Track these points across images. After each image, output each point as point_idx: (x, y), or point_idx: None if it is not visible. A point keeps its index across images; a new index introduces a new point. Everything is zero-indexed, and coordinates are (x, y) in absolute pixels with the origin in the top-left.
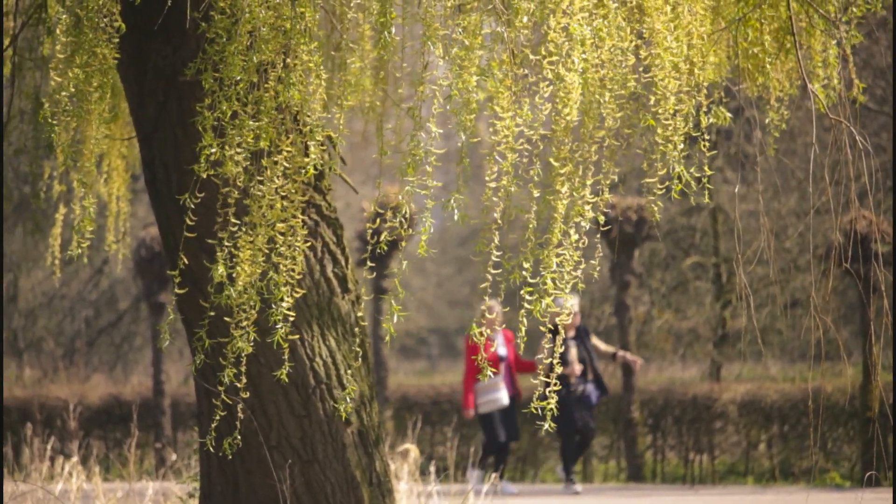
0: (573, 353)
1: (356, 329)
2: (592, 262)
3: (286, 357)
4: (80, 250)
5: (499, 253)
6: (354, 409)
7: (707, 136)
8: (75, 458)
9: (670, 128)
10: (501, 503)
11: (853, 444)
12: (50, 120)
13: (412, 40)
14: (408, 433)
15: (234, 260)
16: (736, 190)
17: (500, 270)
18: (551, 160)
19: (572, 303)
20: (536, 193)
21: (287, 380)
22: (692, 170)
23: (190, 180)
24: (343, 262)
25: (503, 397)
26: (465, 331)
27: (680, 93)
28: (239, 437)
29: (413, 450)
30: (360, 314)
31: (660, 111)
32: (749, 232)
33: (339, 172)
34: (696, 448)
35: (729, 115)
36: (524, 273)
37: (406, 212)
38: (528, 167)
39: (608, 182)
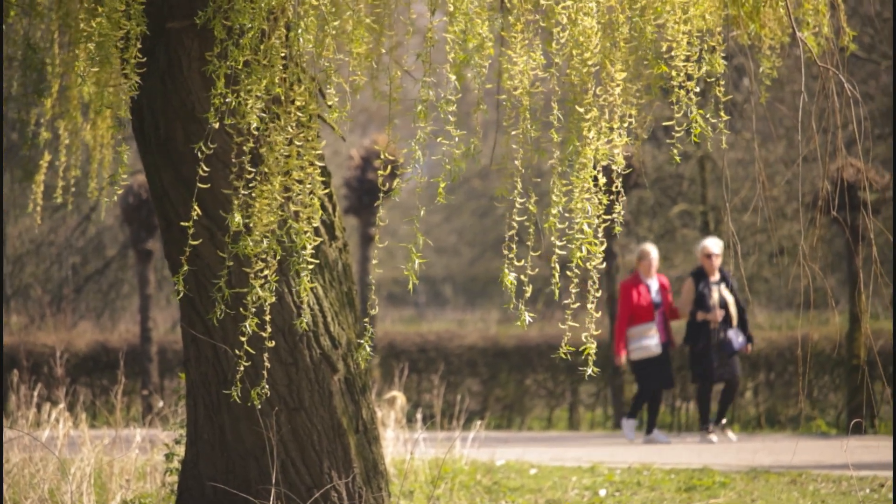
0: (714, 297)
1: (343, 276)
2: (618, 206)
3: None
4: (61, 199)
5: (522, 199)
6: (341, 356)
7: (722, 82)
8: (62, 405)
9: (683, 73)
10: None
11: (839, 391)
12: (78, 72)
13: None
14: (394, 381)
15: (250, 210)
16: (723, 138)
17: (524, 217)
18: (577, 106)
19: (712, 242)
20: (558, 139)
21: (274, 327)
22: (697, 119)
23: (178, 127)
24: (330, 210)
25: (655, 345)
26: (453, 279)
27: (690, 37)
28: (265, 387)
29: (400, 397)
30: (347, 261)
31: (673, 56)
32: (737, 180)
33: (327, 120)
34: (683, 396)
35: (724, 62)
36: (553, 219)
37: (419, 156)
38: (547, 113)
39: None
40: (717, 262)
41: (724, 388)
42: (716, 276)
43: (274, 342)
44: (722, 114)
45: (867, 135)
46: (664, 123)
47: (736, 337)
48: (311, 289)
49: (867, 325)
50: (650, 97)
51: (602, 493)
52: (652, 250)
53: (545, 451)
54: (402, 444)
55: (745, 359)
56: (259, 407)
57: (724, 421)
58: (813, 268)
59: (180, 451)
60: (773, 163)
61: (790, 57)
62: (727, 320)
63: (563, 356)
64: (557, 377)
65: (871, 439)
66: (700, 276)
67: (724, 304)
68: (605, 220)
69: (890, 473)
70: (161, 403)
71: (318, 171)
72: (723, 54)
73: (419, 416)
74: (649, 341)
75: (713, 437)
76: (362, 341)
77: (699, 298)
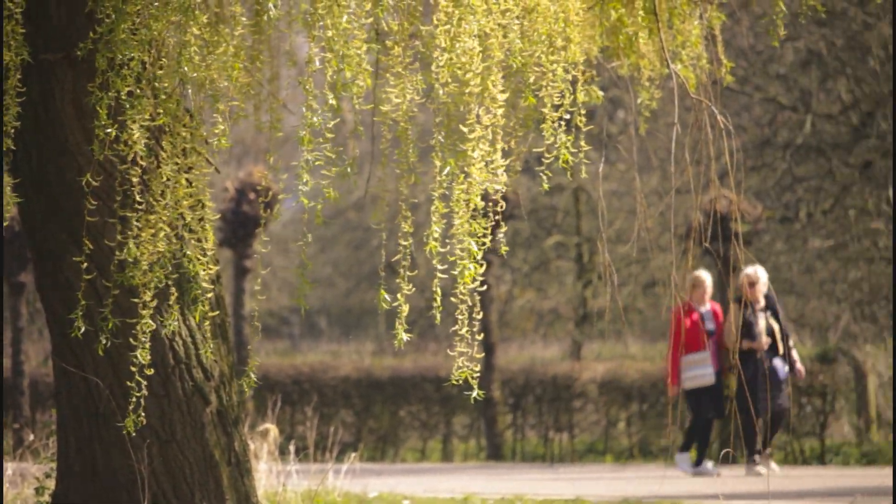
0: (761, 325)
1: (216, 308)
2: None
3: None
4: None
5: (403, 225)
6: (214, 388)
7: (583, 113)
8: None
9: (548, 105)
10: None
11: (715, 421)
12: None
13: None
14: (268, 413)
15: (138, 239)
16: (599, 169)
17: (407, 243)
18: (461, 125)
19: (755, 271)
20: (438, 163)
21: (146, 359)
22: (566, 147)
23: (50, 159)
24: (204, 241)
25: (709, 373)
26: (328, 310)
27: (555, 68)
28: (141, 415)
29: (272, 429)
30: (220, 293)
31: (540, 87)
32: (611, 211)
33: (202, 152)
34: (556, 427)
35: (601, 93)
36: (433, 242)
37: (306, 179)
38: (427, 138)
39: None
40: (762, 289)
41: (771, 420)
42: (762, 303)
43: (146, 374)
44: (583, 143)
45: (740, 166)
46: (535, 150)
47: (782, 367)
48: (184, 320)
49: (737, 356)
50: (525, 129)
51: None
52: (706, 277)
53: (418, 483)
54: (275, 477)
55: (619, 389)
56: (131, 439)
57: (768, 451)
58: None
59: (50, 484)
60: (647, 194)
61: (664, 89)
62: (773, 349)
63: (455, 383)
64: (431, 408)
65: (741, 469)
66: (746, 302)
67: (770, 332)
68: (484, 244)
69: (762, 503)
70: (32, 437)
71: (208, 197)
72: (597, 85)
73: (292, 448)
74: (703, 370)
75: (761, 468)
76: (246, 369)
77: (745, 326)
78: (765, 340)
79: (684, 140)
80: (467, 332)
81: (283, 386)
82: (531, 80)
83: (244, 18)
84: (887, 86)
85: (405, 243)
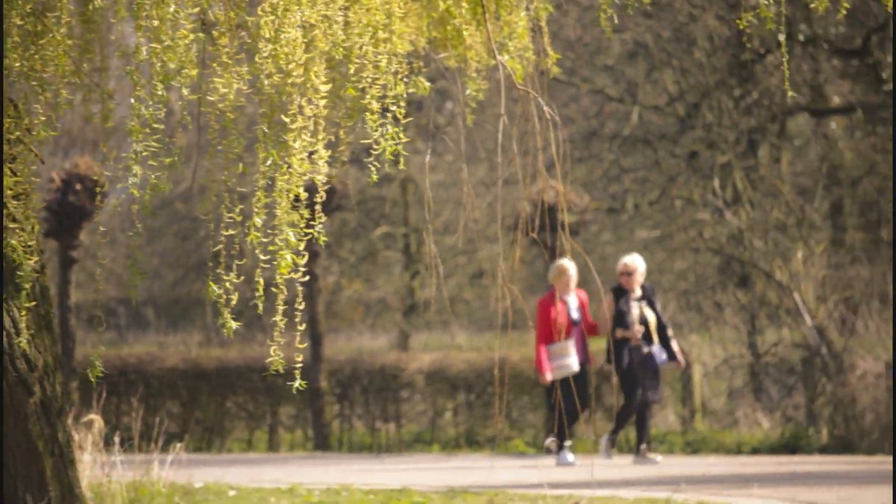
0: (634, 314)
1: (41, 298)
2: (320, 218)
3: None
4: None
5: (230, 215)
6: (37, 379)
7: (403, 105)
8: None
9: (368, 96)
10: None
11: (538, 412)
12: None
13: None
14: (92, 404)
15: None
16: (426, 160)
17: (234, 231)
18: (282, 116)
19: (632, 260)
20: (261, 154)
21: None
22: (388, 138)
23: None
24: (28, 232)
25: (573, 363)
26: (155, 301)
27: (378, 60)
28: None
29: (97, 420)
30: (45, 283)
31: (361, 78)
32: (439, 202)
33: (25, 141)
34: (383, 417)
35: (428, 84)
36: (256, 233)
37: (136, 171)
38: (253, 127)
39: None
40: (638, 278)
41: (642, 407)
42: (637, 292)
43: None
44: (402, 136)
45: (567, 157)
46: (362, 142)
47: (659, 354)
48: (8, 311)
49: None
50: (352, 119)
51: None
52: (570, 266)
53: (245, 473)
54: (100, 468)
55: (446, 380)
56: None
57: (642, 446)
58: (512, 289)
59: None
60: (474, 185)
61: (492, 80)
62: (648, 337)
63: (275, 371)
64: (258, 399)
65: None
66: (620, 291)
67: (644, 321)
68: (307, 234)
69: (586, 491)
70: None
71: (33, 187)
72: (425, 76)
73: (117, 438)
74: (567, 360)
75: (656, 456)
76: (92, 358)
77: (618, 315)
78: (637, 329)
79: (511, 131)
80: (286, 322)
81: (109, 377)
82: (352, 71)
83: (71, 7)
84: (713, 77)
85: (228, 233)
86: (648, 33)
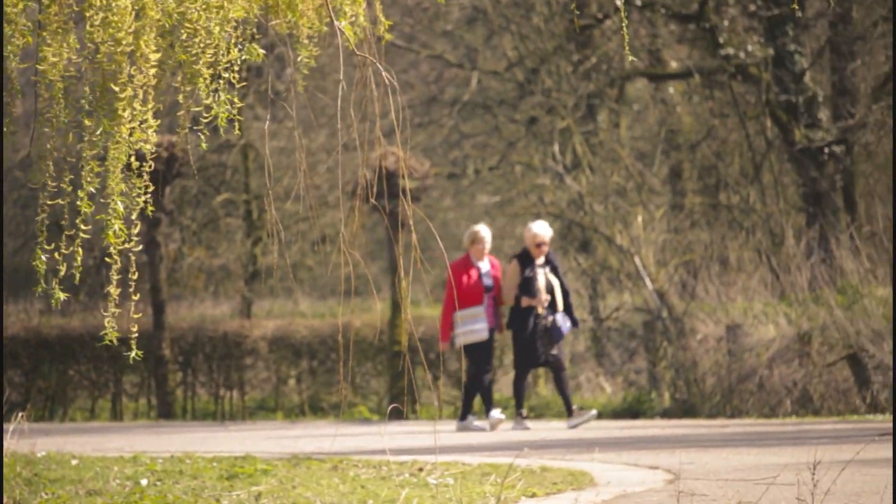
0: (540, 281)
1: None
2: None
3: None
4: None
5: (54, 184)
6: None
7: (237, 70)
8: None
9: (201, 62)
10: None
11: (381, 378)
12: None
13: None
14: None
15: None
16: (266, 127)
17: (64, 201)
18: (112, 85)
19: (543, 230)
20: (88, 123)
21: None
22: (223, 104)
23: None
24: None
25: (483, 329)
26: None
27: (210, 27)
28: None
29: None
30: None
31: (194, 45)
32: (280, 168)
33: None
34: (227, 384)
35: (262, 51)
36: (86, 201)
37: None
38: (80, 96)
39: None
40: (545, 247)
41: (554, 376)
42: (541, 260)
43: None
44: (237, 100)
45: (407, 123)
46: (193, 109)
47: (564, 322)
48: None
49: (408, 312)
50: (192, 85)
51: (143, 482)
52: (486, 232)
53: (88, 442)
54: None
55: (289, 346)
56: None
57: (575, 406)
58: (354, 255)
59: None
60: (315, 151)
61: (332, 46)
62: (553, 305)
63: (109, 342)
64: (100, 367)
65: (412, 424)
66: (525, 259)
67: (549, 289)
68: (138, 204)
69: (429, 457)
70: None
71: None
72: (263, 43)
73: None
74: (477, 325)
75: (528, 423)
76: None
77: (524, 283)
78: (544, 297)
79: (350, 97)
80: (119, 292)
81: None
82: (185, 37)
83: None
84: (551, 42)
85: (53, 203)
86: None
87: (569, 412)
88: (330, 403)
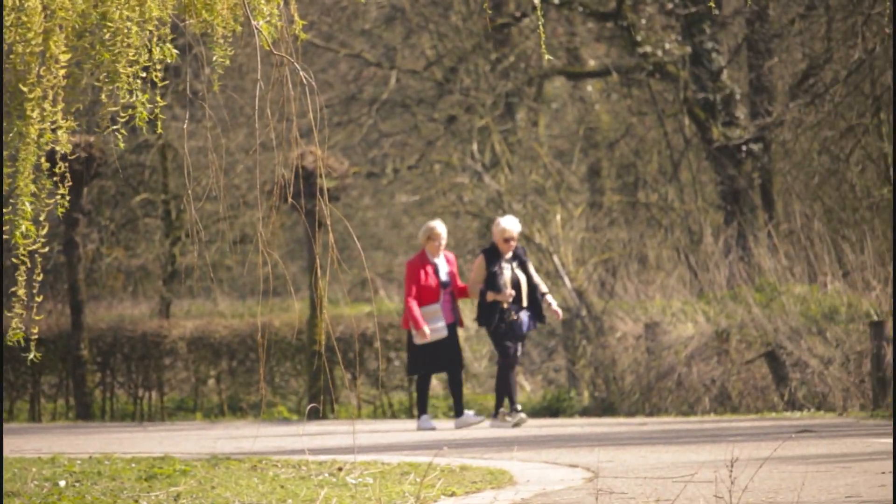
0: (506, 276)
1: None
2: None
3: None
4: None
5: None
6: None
7: (159, 69)
8: None
9: (123, 61)
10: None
11: (301, 377)
12: None
13: None
14: None
15: None
16: (185, 126)
17: None
18: (21, 85)
19: (512, 225)
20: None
21: None
22: (143, 103)
23: None
24: None
25: (441, 327)
26: None
27: (129, 25)
28: None
29: None
30: None
31: (116, 44)
32: (198, 168)
33: None
34: (146, 385)
35: (176, 51)
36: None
37: None
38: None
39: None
40: (513, 242)
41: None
42: (509, 255)
43: None
44: (159, 99)
45: (326, 123)
46: (110, 109)
47: (528, 319)
48: None
49: (326, 312)
50: (111, 85)
51: (62, 483)
52: (442, 228)
53: (5, 443)
54: None
55: (208, 346)
56: None
57: (502, 409)
58: (272, 255)
59: None
60: (233, 151)
61: (250, 46)
62: (518, 300)
63: (14, 343)
64: (18, 368)
65: (330, 424)
66: (492, 253)
67: (516, 284)
68: (48, 204)
69: (349, 457)
70: None
71: None
72: (180, 43)
73: None
74: (436, 324)
75: (510, 418)
76: None
77: (490, 278)
78: (509, 293)
79: (268, 96)
80: (25, 293)
81: None
82: (107, 36)
83: None
84: (470, 41)
85: None
86: None
87: (496, 412)
88: (249, 403)
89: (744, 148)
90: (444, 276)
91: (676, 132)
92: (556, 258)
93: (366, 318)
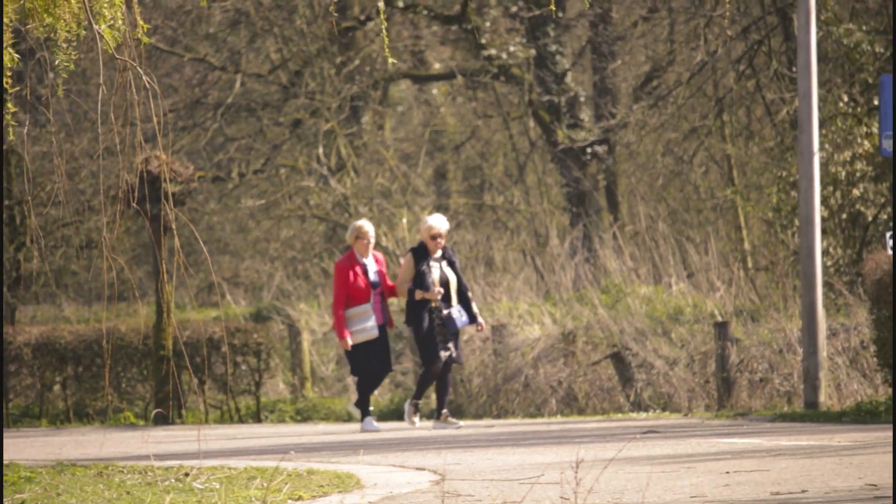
0: (434, 275)
1: None
2: None
3: None
4: None
5: None
6: None
7: (10, 74)
8: None
9: None
10: None
11: (148, 383)
12: None
13: None
14: None
15: None
16: (25, 132)
17: None
18: None
19: (440, 223)
20: None
21: None
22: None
23: None
24: None
25: (372, 327)
26: None
27: None
28: None
29: None
30: None
31: None
32: (42, 174)
33: None
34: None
35: (17, 56)
36: None
37: None
38: None
39: None
40: (441, 241)
41: (441, 374)
42: (437, 254)
43: None
44: (10, 105)
45: (171, 127)
46: None
47: (459, 315)
48: None
49: (173, 316)
50: None
51: None
52: (370, 228)
53: None
54: None
55: (54, 352)
56: None
57: (444, 411)
58: (118, 260)
59: None
60: (78, 156)
61: (94, 50)
62: (447, 299)
63: None
64: None
65: (177, 429)
66: (420, 252)
67: (444, 283)
68: None
69: (195, 462)
70: None
71: None
72: (23, 48)
73: None
74: (367, 323)
75: (417, 419)
76: None
77: (418, 276)
78: (437, 291)
79: (112, 100)
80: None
81: None
82: None
83: None
84: (314, 45)
85: None
86: (249, 1)
87: (438, 414)
88: (95, 409)
89: (588, 150)
90: (373, 276)
91: (522, 135)
92: (402, 261)
93: (213, 323)
